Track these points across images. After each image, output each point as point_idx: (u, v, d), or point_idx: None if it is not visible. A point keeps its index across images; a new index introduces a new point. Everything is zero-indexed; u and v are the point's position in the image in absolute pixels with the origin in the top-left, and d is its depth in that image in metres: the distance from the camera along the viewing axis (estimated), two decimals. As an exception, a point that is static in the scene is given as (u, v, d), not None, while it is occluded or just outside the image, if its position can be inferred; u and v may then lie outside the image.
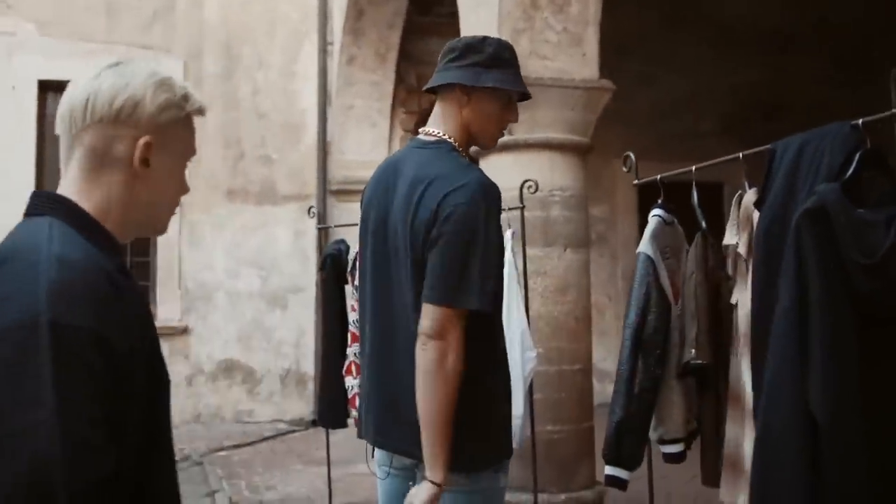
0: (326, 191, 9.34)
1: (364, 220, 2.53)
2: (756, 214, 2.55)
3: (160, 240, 8.91)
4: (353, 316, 4.77)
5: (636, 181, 3.53)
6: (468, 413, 2.26)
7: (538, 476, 4.33)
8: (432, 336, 2.21)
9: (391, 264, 2.39)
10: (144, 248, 9.06)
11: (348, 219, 5.71)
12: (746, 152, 2.83)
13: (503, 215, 4.69)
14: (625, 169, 3.43)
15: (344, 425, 5.08)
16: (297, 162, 9.38)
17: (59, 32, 8.82)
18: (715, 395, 3.02)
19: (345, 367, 4.77)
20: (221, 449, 7.89)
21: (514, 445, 4.19)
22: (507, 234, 4.35)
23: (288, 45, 9.45)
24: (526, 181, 4.22)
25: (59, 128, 1.44)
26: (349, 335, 4.85)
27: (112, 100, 1.40)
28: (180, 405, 8.52)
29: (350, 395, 4.70)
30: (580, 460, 4.88)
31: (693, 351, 2.98)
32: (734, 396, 2.87)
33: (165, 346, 9.02)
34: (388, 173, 2.49)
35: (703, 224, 3.08)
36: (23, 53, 8.66)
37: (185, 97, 1.48)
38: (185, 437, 7.79)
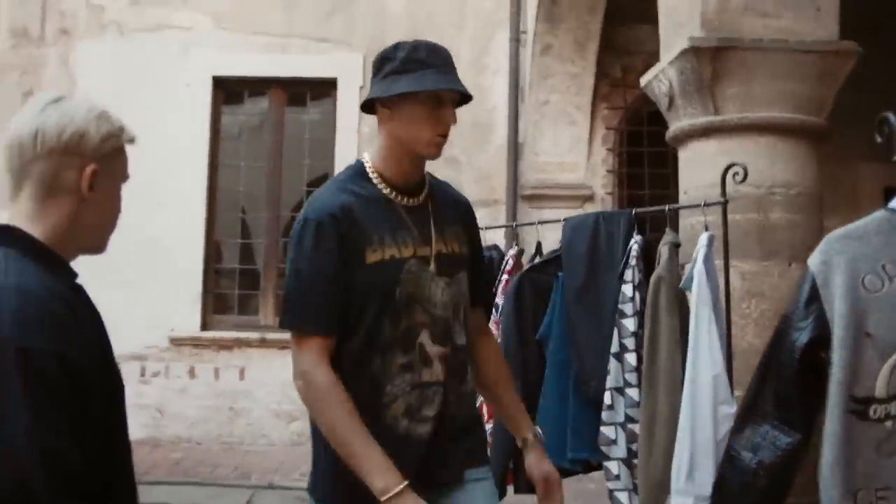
0: (518, 196, 8.43)
1: None
2: None
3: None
4: None
5: (897, 156, 2.37)
6: None
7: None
8: None
9: None
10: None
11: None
12: None
13: (699, 218, 3.52)
14: (878, 138, 2.29)
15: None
16: (485, 164, 8.52)
17: (235, 26, 8.51)
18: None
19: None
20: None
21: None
22: (703, 239, 3.24)
23: (478, 36, 8.63)
24: (731, 166, 3.12)
25: (4, 160, 1.57)
26: None
27: (60, 132, 1.55)
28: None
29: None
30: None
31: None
32: None
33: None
34: None
35: None
36: (198, 48, 8.36)
37: (121, 128, 1.64)
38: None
